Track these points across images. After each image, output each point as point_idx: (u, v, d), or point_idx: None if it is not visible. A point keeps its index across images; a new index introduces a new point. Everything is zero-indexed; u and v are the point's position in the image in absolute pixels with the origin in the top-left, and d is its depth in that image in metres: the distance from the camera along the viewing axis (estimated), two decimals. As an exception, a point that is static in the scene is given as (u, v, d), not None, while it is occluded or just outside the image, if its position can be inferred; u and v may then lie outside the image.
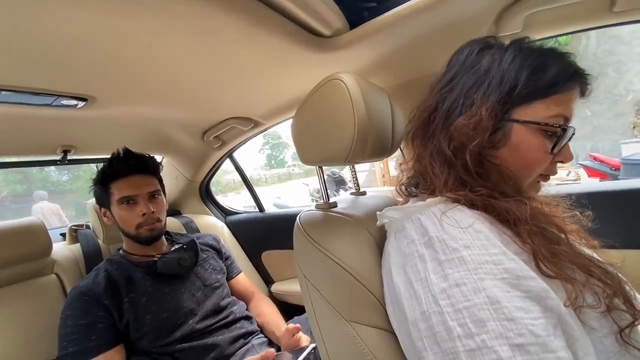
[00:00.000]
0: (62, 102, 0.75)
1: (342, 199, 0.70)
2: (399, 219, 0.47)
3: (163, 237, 1.08)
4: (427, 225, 0.40)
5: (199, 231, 1.47)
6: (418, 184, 0.54)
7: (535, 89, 0.42)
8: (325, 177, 0.68)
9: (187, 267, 1.02)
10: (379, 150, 0.56)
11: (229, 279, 1.19)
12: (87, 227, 1.25)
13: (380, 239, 0.53)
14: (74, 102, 0.76)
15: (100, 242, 1.20)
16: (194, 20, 0.53)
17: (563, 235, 0.42)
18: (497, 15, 0.65)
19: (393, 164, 5.74)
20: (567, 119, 0.43)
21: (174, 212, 1.62)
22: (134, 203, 0.97)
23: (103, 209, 1.02)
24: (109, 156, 1.01)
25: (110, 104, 0.83)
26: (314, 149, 0.55)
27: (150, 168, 1.03)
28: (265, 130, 1.29)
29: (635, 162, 3.19)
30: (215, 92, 0.90)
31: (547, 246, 0.38)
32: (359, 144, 0.49)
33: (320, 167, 0.66)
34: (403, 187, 0.57)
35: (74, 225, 1.23)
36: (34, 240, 0.99)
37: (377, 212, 0.53)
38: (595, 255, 0.44)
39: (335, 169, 6.91)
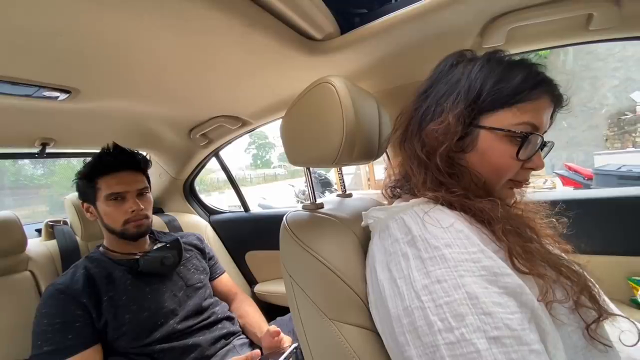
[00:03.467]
0: (43, 94, 0.72)
1: (329, 200, 0.71)
2: (383, 218, 0.48)
3: (147, 234, 1.06)
4: (410, 225, 0.42)
5: (182, 230, 1.44)
6: (402, 186, 0.56)
7: (498, 97, 0.45)
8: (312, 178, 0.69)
9: (170, 267, 1.00)
10: (366, 153, 0.57)
11: (211, 279, 1.17)
12: (65, 223, 1.21)
13: (365, 239, 0.55)
14: (56, 94, 0.74)
15: (78, 239, 1.16)
16: (186, 17, 0.53)
17: (536, 236, 0.44)
18: (482, 28, 0.68)
19: (378, 168, 5.81)
20: (535, 127, 0.45)
21: (156, 210, 1.59)
22: (122, 200, 0.95)
23: (86, 205, 0.99)
24: (90, 150, 0.98)
25: (94, 97, 0.81)
26: (303, 150, 0.56)
27: (141, 165, 1.02)
28: (253, 130, 1.29)
29: (606, 172, 3.36)
30: (204, 89, 0.89)
31: (521, 244, 0.41)
32: (346, 146, 0.50)
33: (308, 168, 0.67)
34: (388, 190, 0.59)
35: (50, 221, 1.18)
36: (7, 235, 0.96)
37: (363, 212, 0.55)
38: (564, 256, 0.47)
39: (322, 171, 6.93)
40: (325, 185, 6.71)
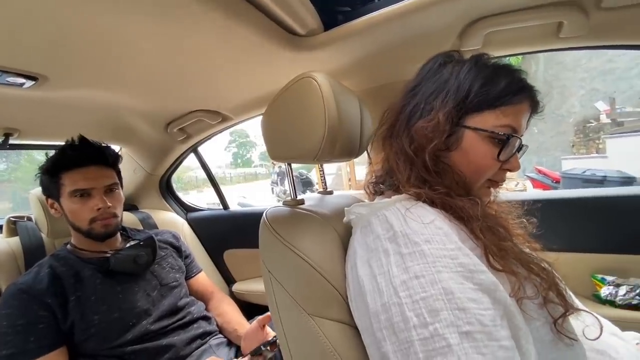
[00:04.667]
0: (7, 80, 0.68)
1: (310, 197, 0.71)
2: (365, 214, 0.49)
3: (118, 233, 1.01)
4: (392, 221, 0.42)
5: (157, 227, 1.40)
6: (385, 182, 0.57)
7: (485, 99, 0.46)
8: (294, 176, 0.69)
9: (144, 265, 0.96)
10: (347, 150, 0.57)
11: (188, 278, 1.14)
12: (29, 219, 1.13)
13: (346, 235, 0.55)
14: (21, 80, 0.69)
15: (43, 236, 1.09)
16: (165, 5, 0.51)
17: (509, 235, 0.46)
18: (461, 31, 0.70)
19: (359, 169, 5.87)
20: (515, 130, 0.47)
21: (130, 206, 1.53)
22: (88, 196, 0.90)
23: (50, 201, 0.94)
24: (58, 143, 0.93)
25: (64, 86, 0.77)
26: (284, 146, 0.56)
27: (109, 160, 0.96)
28: (234, 125, 1.27)
29: (572, 176, 3.59)
30: (182, 82, 0.87)
31: (496, 242, 0.42)
32: (328, 143, 0.50)
33: (289, 164, 0.67)
34: (371, 186, 0.60)
35: (12, 217, 1.11)
36: None
37: (345, 208, 0.55)
38: (534, 254, 0.49)
39: (303, 170, 6.93)
40: (307, 184, 6.72)
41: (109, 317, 0.84)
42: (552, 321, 0.41)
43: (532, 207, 0.58)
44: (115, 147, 1.30)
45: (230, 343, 1.01)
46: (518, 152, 0.50)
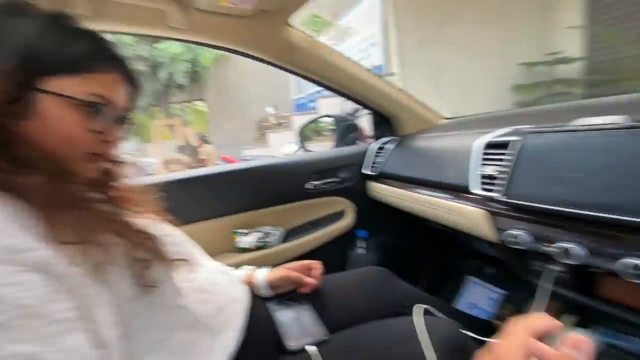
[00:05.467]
0: None
1: None
2: None
3: None
4: None
5: None
6: None
7: (61, 61, 0.41)
8: None
9: None
10: None
11: None
12: None
13: None
14: None
15: None
16: None
17: (118, 210, 0.47)
18: None
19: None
20: (108, 101, 0.44)
21: None
22: None
23: None
24: None
25: None
26: None
27: None
28: None
29: (247, 159, 4.74)
30: None
31: (71, 216, 0.39)
32: None
33: None
34: None
35: None
36: None
37: None
38: (136, 223, 0.49)
39: None
40: None
41: None
42: (135, 275, 0.43)
43: (181, 186, 0.61)
44: None
45: None
46: (119, 124, 0.48)
